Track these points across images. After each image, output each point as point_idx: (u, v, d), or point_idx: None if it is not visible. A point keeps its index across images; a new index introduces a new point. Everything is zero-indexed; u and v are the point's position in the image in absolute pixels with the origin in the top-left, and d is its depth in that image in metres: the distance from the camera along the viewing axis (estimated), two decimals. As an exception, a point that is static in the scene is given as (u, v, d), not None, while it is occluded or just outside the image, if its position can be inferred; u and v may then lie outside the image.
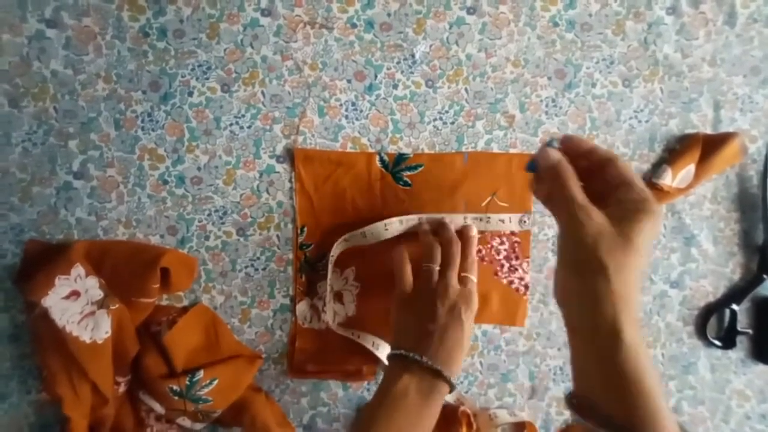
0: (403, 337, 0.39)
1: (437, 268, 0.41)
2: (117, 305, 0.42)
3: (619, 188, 0.32)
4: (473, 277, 0.42)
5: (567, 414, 0.49)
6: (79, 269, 0.42)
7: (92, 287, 0.42)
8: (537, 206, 0.47)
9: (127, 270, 0.43)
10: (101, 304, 0.42)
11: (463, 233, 0.43)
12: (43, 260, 0.42)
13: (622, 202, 0.31)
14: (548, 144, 0.34)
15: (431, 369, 0.36)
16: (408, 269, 0.43)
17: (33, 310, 0.42)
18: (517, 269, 0.47)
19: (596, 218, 0.30)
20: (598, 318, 0.30)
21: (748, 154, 0.48)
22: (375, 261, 0.46)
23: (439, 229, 0.44)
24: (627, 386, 0.29)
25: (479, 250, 0.46)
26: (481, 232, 0.46)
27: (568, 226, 0.32)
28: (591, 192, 0.32)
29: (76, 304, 0.41)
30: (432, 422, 0.37)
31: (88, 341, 0.41)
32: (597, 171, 0.33)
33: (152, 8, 0.44)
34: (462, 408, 0.46)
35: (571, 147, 0.34)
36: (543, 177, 0.34)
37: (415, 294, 0.41)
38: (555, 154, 0.33)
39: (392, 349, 0.39)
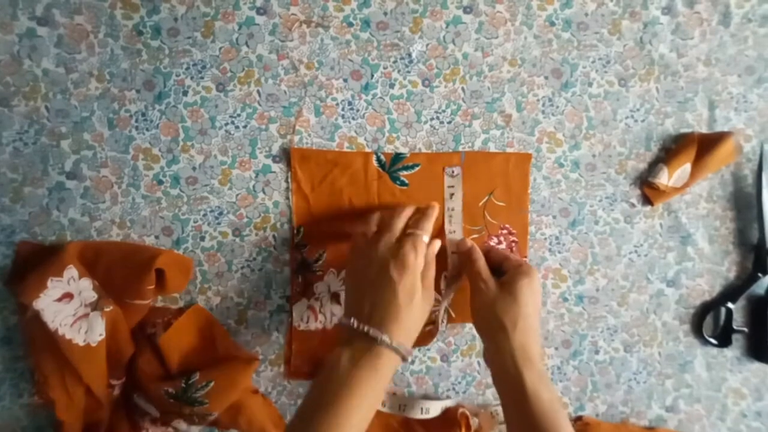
0: (346, 304, 0.40)
1: (374, 228, 0.40)
2: (111, 307, 0.41)
3: (502, 263, 0.42)
4: (418, 231, 0.39)
5: (564, 412, 0.49)
6: (72, 271, 0.41)
7: (86, 289, 0.41)
8: (533, 206, 0.47)
9: (121, 271, 0.42)
10: (95, 306, 0.41)
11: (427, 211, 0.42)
12: (35, 262, 0.42)
13: (507, 272, 0.41)
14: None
15: (361, 331, 0.35)
16: (358, 241, 0.41)
17: (25, 313, 0.41)
18: (514, 269, 0.47)
19: (491, 287, 0.40)
20: (506, 372, 0.37)
21: (743, 153, 0.48)
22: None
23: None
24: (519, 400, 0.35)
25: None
26: (478, 231, 0.46)
27: (474, 292, 0.41)
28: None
29: (69, 307, 0.41)
30: (373, 395, 0.34)
31: (81, 344, 0.40)
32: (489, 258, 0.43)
33: (146, 6, 0.43)
34: (461, 410, 0.46)
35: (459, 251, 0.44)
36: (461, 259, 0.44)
37: (354, 258, 0.40)
38: (468, 242, 0.44)
39: (342, 317, 0.38)
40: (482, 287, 0.40)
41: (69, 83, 0.43)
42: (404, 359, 0.36)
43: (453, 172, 0.45)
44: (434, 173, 0.46)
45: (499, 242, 0.47)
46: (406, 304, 0.36)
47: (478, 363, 0.48)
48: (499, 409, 0.48)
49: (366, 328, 0.35)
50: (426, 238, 0.40)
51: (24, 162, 0.43)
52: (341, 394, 0.33)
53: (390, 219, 0.40)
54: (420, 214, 0.42)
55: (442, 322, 0.46)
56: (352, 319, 0.36)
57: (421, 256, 0.38)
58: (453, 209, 0.45)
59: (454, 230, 0.45)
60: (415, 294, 0.37)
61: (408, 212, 0.42)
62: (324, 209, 0.45)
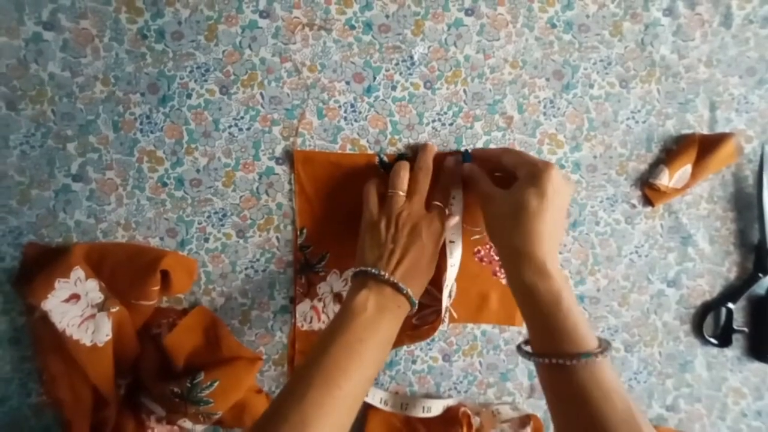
0: (365, 256, 0.40)
1: (402, 193, 0.42)
2: (117, 308, 0.42)
3: (517, 169, 0.40)
4: (441, 204, 0.43)
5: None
6: (78, 272, 0.42)
7: (92, 290, 0.42)
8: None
9: (126, 272, 0.43)
10: (101, 307, 0.42)
11: (444, 164, 0.44)
12: (42, 263, 0.42)
13: (521, 178, 0.39)
14: (464, 156, 0.45)
15: (390, 282, 0.37)
16: (374, 198, 0.43)
17: (33, 313, 0.42)
18: (515, 269, 0.47)
19: (498, 195, 0.39)
20: (523, 286, 0.36)
21: (744, 154, 0.48)
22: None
23: (418, 153, 0.44)
24: (543, 306, 0.35)
25: (478, 251, 0.47)
26: (479, 232, 0.46)
27: (483, 208, 0.42)
28: (502, 179, 0.41)
29: (76, 307, 0.41)
30: (389, 338, 0.37)
31: (88, 344, 0.41)
32: (499, 165, 0.42)
33: (150, 10, 0.43)
34: (462, 409, 0.47)
35: (477, 156, 0.45)
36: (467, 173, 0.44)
37: (379, 218, 0.41)
38: (468, 166, 0.44)
39: (354, 268, 0.40)
40: (490, 196, 0.40)
41: (75, 87, 0.44)
42: (412, 309, 0.39)
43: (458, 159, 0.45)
44: (436, 175, 0.46)
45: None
46: (426, 266, 0.40)
47: (480, 363, 0.49)
48: (501, 407, 0.48)
49: (394, 279, 0.37)
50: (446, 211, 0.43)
51: (31, 165, 0.44)
52: (366, 337, 0.35)
53: (416, 184, 0.42)
54: (437, 187, 0.44)
55: (444, 320, 0.47)
56: (380, 270, 0.37)
57: (443, 228, 0.42)
58: (454, 198, 0.45)
59: (455, 213, 0.45)
60: (434, 261, 0.41)
61: (428, 176, 0.43)
62: (327, 211, 0.46)
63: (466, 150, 0.45)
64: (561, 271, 0.37)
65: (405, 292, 0.37)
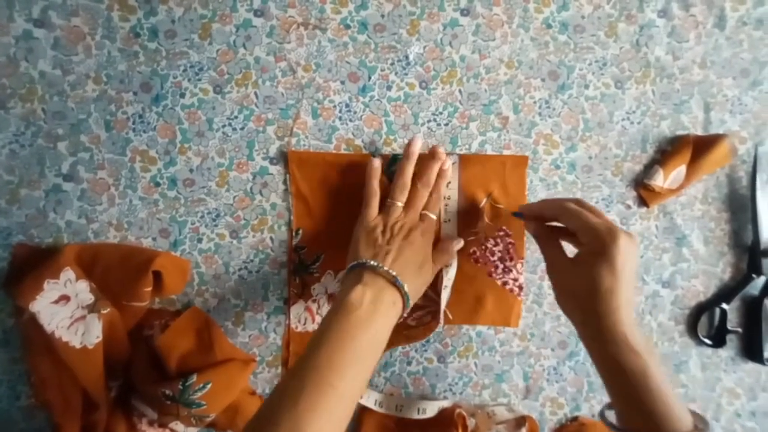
0: (360, 252, 0.39)
1: (400, 204, 0.42)
2: (108, 309, 0.41)
3: (578, 233, 0.37)
4: (433, 216, 0.43)
5: (561, 414, 0.49)
6: (69, 273, 0.41)
7: (82, 291, 0.41)
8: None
9: (118, 273, 0.42)
10: (92, 309, 0.41)
11: (441, 167, 0.44)
12: (31, 264, 0.42)
13: (585, 245, 0.37)
14: (516, 215, 0.43)
15: (386, 274, 0.37)
16: (375, 201, 0.43)
17: (22, 315, 0.41)
18: (511, 270, 0.47)
19: (565, 264, 0.38)
20: (609, 332, 0.34)
21: (738, 155, 0.48)
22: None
23: (423, 161, 0.43)
24: (630, 383, 0.33)
25: (473, 252, 0.47)
26: (475, 233, 0.46)
27: (550, 273, 0.40)
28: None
29: (65, 309, 0.41)
30: (383, 336, 0.36)
31: (78, 346, 0.40)
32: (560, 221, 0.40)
33: (143, 8, 0.43)
34: (458, 411, 0.46)
35: (527, 215, 0.42)
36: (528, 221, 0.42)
37: (375, 224, 0.41)
38: (532, 225, 0.42)
39: (348, 263, 0.39)
40: (557, 274, 0.39)
41: (66, 85, 0.43)
42: (403, 310, 0.38)
43: (450, 161, 0.45)
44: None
45: (496, 244, 0.47)
46: (420, 268, 0.40)
47: (475, 364, 0.48)
48: (496, 409, 0.48)
49: (391, 271, 0.37)
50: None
51: (20, 164, 0.43)
52: (359, 334, 0.34)
53: (415, 199, 0.43)
54: (432, 196, 0.44)
55: (440, 322, 0.46)
56: (378, 263, 0.37)
57: (433, 235, 0.43)
58: (449, 198, 0.45)
59: (449, 219, 0.46)
60: (427, 265, 0.41)
61: (428, 192, 0.43)
62: (323, 211, 0.46)
63: (518, 212, 0.43)
64: (645, 340, 0.34)
65: (400, 284, 0.37)
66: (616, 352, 0.34)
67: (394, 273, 0.36)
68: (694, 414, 0.33)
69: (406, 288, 0.37)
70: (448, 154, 0.45)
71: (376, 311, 0.35)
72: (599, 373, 0.36)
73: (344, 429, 0.32)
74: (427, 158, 0.43)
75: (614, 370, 0.34)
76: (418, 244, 0.40)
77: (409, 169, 0.43)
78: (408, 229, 0.41)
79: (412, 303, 0.38)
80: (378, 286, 0.36)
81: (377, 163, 0.44)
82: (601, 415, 0.36)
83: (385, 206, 0.43)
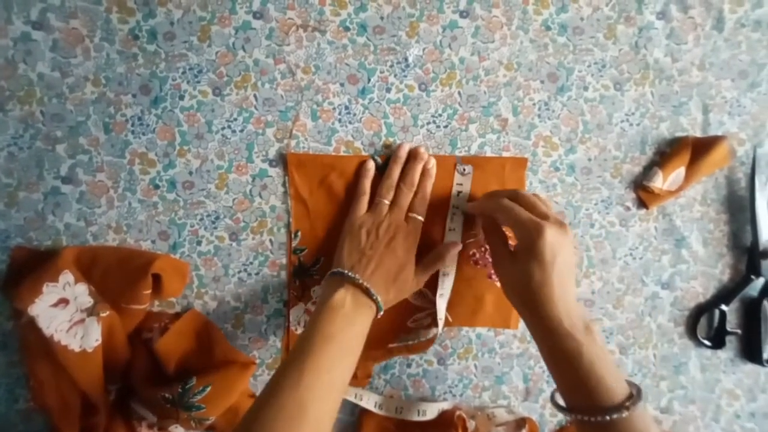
0: (344, 259, 0.42)
1: (387, 202, 0.44)
2: (107, 312, 0.41)
3: (512, 229, 0.40)
4: (419, 217, 0.44)
5: (560, 416, 0.49)
6: (67, 276, 0.41)
7: (82, 294, 0.41)
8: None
9: (117, 276, 0.42)
10: (91, 312, 0.41)
11: (425, 168, 0.45)
12: (30, 267, 0.42)
13: (518, 241, 0.39)
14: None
15: (362, 287, 0.39)
16: (364, 202, 0.44)
17: (20, 318, 0.41)
18: (510, 272, 0.47)
19: (506, 256, 0.40)
20: (545, 320, 0.36)
21: (737, 156, 0.48)
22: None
23: (409, 159, 0.45)
24: (566, 365, 0.35)
25: (473, 254, 0.47)
26: (474, 235, 0.46)
27: (494, 265, 0.42)
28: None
29: (64, 312, 0.40)
30: (364, 331, 0.39)
31: (77, 350, 0.40)
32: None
33: (142, 10, 0.43)
34: (458, 412, 0.46)
35: (476, 214, 0.45)
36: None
37: (361, 223, 0.43)
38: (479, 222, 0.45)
39: (332, 268, 0.41)
40: (498, 267, 0.41)
41: (64, 87, 0.43)
42: (378, 314, 0.40)
43: (464, 170, 0.45)
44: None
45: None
46: (397, 276, 0.41)
47: (475, 366, 0.48)
48: (496, 411, 0.48)
49: (367, 285, 0.39)
50: (422, 221, 0.44)
51: (19, 167, 0.43)
52: (345, 328, 0.37)
53: (399, 197, 0.44)
54: (417, 197, 0.44)
55: (438, 325, 0.46)
56: (356, 275, 0.39)
57: (417, 239, 0.43)
58: (457, 207, 0.45)
59: (454, 228, 0.45)
60: (406, 271, 0.42)
61: (412, 191, 0.44)
62: (322, 213, 0.45)
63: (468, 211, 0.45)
64: (582, 321, 0.36)
65: (374, 298, 0.39)
66: (553, 339, 0.36)
67: (367, 285, 0.39)
68: (630, 384, 0.35)
69: (379, 299, 0.39)
70: (462, 163, 0.46)
71: (357, 311, 0.38)
72: (543, 359, 0.38)
73: (336, 413, 0.35)
74: (410, 159, 0.45)
75: (552, 355, 0.37)
76: (399, 251, 0.41)
77: (396, 170, 0.44)
78: (393, 232, 0.42)
79: (384, 308, 0.40)
80: (356, 293, 0.39)
81: (371, 164, 0.45)
82: (551, 398, 0.38)
83: (373, 205, 0.44)
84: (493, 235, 0.42)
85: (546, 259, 0.36)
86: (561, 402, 0.37)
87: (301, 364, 0.34)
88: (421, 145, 0.45)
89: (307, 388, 0.33)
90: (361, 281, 0.39)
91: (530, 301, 0.37)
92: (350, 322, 0.37)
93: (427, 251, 0.44)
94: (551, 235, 0.36)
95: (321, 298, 0.40)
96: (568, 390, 0.36)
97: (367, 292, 0.39)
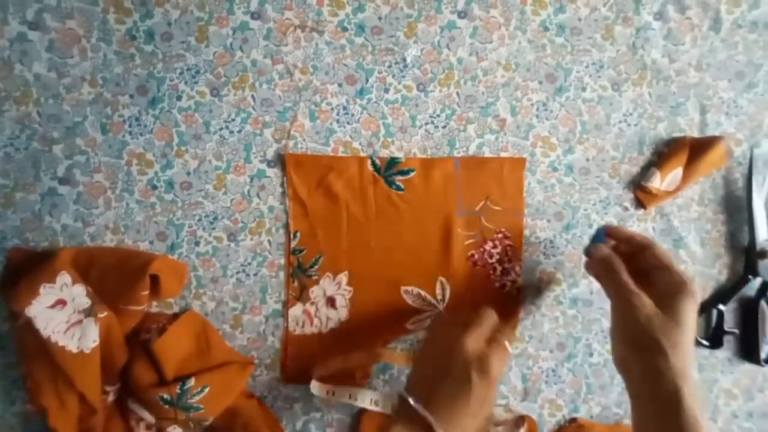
0: (418, 383, 0.38)
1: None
2: (105, 313, 0.41)
3: (658, 271, 0.38)
4: (505, 341, 0.38)
5: (559, 415, 0.49)
6: (65, 277, 0.41)
7: (79, 295, 0.41)
8: (528, 210, 0.47)
9: (115, 277, 0.42)
10: (89, 313, 0.41)
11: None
12: (27, 268, 0.41)
13: (664, 285, 0.37)
14: (596, 236, 0.44)
15: (424, 419, 0.35)
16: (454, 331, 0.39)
17: (17, 320, 0.41)
18: (509, 272, 0.47)
19: (647, 302, 0.37)
20: (661, 389, 0.35)
21: (734, 157, 0.48)
22: (368, 265, 0.46)
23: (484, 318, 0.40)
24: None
25: (472, 255, 0.47)
26: (473, 237, 0.46)
27: (623, 308, 0.38)
28: (631, 270, 0.39)
29: (62, 313, 0.40)
30: None
31: (74, 351, 0.40)
32: (637, 253, 0.41)
33: (139, 11, 0.43)
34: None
35: (615, 235, 0.43)
36: (595, 265, 0.42)
37: (437, 336, 0.40)
38: (605, 249, 0.41)
39: (406, 388, 0.38)
40: (634, 302, 0.37)
41: (61, 88, 0.43)
42: None
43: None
44: (429, 177, 0.46)
45: (495, 246, 0.47)
46: (474, 410, 0.35)
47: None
48: (494, 410, 0.48)
49: (431, 420, 0.34)
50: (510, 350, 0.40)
51: (15, 167, 0.43)
52: None
53: (481, 318, 0.39)
54: (503, 323, 0.41)
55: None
56: (420, 403, 0.35)
57: (502, 368, 0.38)
58: None
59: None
60: (485, 403, 0.36)
61: (494, 318, 0.40)
62: (320, 214, 0.45)
63: (602, 228, 0.43)
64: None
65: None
66: (676, 383, 0.35)
67: (431, 421, 0.34)
68: None
69: None
70: (460, 163, 0.45)
71: None
72: (645, 408, 0.36)
73: None
74: None
75: (673, 401, 0.35)
76: (471, 381, 0.35)
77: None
78: (467, 362, 0.36)
79: None
80: (415, 428, 0.35)
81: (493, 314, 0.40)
82: None
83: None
84: (619, 270, 0.39)
85: (695, 309, 0.37)
86: None
87: None
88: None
89: None
90: (423, 411, 0.35)
91: (667, 347, 0.36)
92: None
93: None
94: (698, 301, 0.37)
95: (384, 422, 0.37)
96: None
97: (428, 428, 0.35)
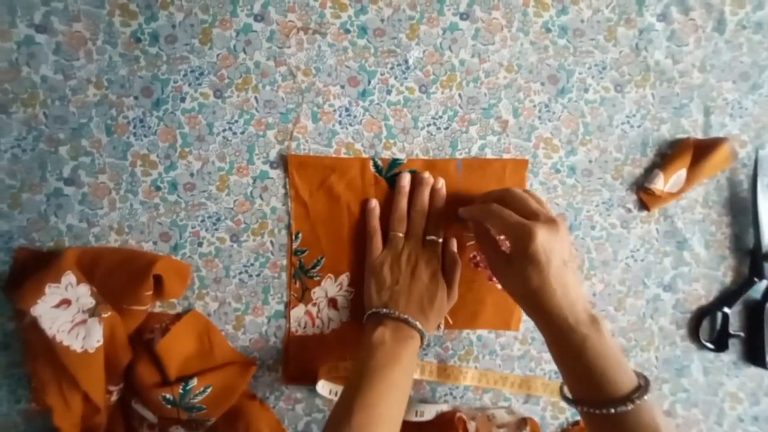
0: (374, 300, 0.42)
1: (401, 234, 0.44)
2: (109, 313, 0.41)
3: (504, 235, 0.41)
4: (437, 239, 0.44)
5: (562, 417, 0.49)
6: (70, 277, 0.41)
7: (83, 295, 0.42)
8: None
9: (119, 277, 0.42)
10: (93, 313, 0.41)
11: (434, 188, 0.45)
12: (33, 268, 0.42)
13: (510, 245, 0.39)
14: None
15: (401, 318, 0.40)
16: (378, 239, 0.45)
17: (23, 319, 0.41)
18: (511, 274, 0.47)
19: (502, 259, 0.40)
20: (563, 334, 0.36)
21: (738, 158, 0.48)
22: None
23: (414, 187, 0.45)
24: (571, 358, 0.35)
25: (473, 256, 0.47)
26: (473, 238, 0.46)
27: (493, 272, 0.43)
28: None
29: (66, 313, 0.41)
30: (410, 364, 0.39)
31: (79, 350, 0.40)
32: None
33: (144, 13, 0.43)
34: (458, 414, 0.46)
35: (471, 212, 0.43)
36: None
37: (381, 261, 0.43)
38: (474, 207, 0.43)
39: (366, 310, 0.42)
40: (497, 274, 0.41)
41: (67, 90, 0.43)
42: (422, 343, 0.41)
43: (441, 180, 0.45)
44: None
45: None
46: (429, 302, 0.42)
47: (476, 367, 0.48)
48: (496, 412, 0.48)
49: (405, 317, 0.40)
50: (440, 242, 0.44)
51: (22, 168, 0.43)
52: (390, 363, 0.38)
53: (413, 226, 0.44)
54: (431, 220, 0.45)
55: (438, 327, 0.46)
56: (391, 310, 0.40)
57: (439, 260, 0.44)
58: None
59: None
60: (437, 292, 0.42)
61: (423, 217, 0.44)
62: (322, 215, 0.46)
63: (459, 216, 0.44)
64: (587, 314, 0.36)
65: (415, 325, 0.40)
66: (558, 334, 0.36)
67: (405, 316, 0.40)
68: (639, 376, 0.35)
69: (419, 325, 0.40)
70: (462, 165, 0.45)
71: (399, 345, 0.39)
72: (550, 353, 0.38)
73: None
74: (415, 184, 0.45)
75: (558, 349, 0.37)
76: (424, 277, 0.42)
77: (402, 201, 0.45)
78: (414, 261, 0.43)
79: (431, 331, 0.42)
80: (395, 325, 0.40)
81: (374, 203, 0.45)
82: (560, 390, 0.38)
83: (388, 240, 0.44)
84: (484, 241, 0.43)
85: (541, 262, 0.36)
86: (569, 394, 0.37)
87: (349, 403, 0.36)
88: (424, 172, 0.45)
89: (358, 426, 0.34)
90: (397, 314, 0.40)
91: (532, 302, 0.37)
92: (394, 357, 0.38)
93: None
94: (542, 236, 0.36)
95: (362, 340, 0.41)
96: (574, 383, 0.36)
97: (406, 323, 0.40)
